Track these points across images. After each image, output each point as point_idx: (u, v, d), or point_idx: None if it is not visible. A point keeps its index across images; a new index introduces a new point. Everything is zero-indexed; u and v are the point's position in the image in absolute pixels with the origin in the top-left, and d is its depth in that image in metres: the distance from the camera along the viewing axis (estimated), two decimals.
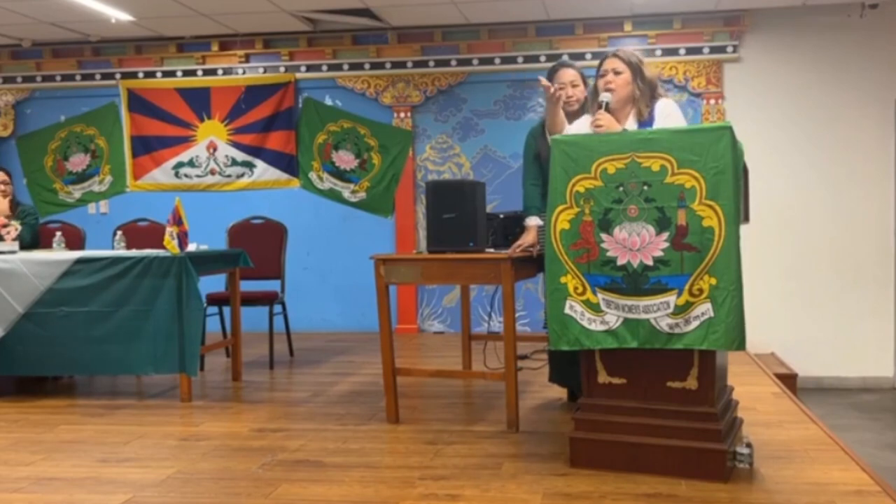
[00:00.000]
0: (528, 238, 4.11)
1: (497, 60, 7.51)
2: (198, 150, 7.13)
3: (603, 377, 3.29)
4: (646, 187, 3.08)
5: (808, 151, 7.14)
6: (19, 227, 5.38)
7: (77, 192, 6.42)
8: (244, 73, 7.74)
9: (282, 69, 7.69)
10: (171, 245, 4.71)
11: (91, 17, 7.00)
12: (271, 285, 6.05)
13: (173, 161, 7.07)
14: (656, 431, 3.17)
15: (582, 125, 3.67)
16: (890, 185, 7.05)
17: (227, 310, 5.74)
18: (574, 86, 4.19)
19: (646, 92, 3.54)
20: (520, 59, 7.43)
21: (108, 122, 6.40)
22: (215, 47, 7.85)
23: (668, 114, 3.52)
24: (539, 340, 4.90)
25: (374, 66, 7.67)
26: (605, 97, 3.52)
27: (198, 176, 6.79)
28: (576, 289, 3.20)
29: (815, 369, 6.97)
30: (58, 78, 8.14)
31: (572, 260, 3.20)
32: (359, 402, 4.65)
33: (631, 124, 3.53)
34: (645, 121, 3.53)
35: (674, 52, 7.23)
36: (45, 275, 4.81)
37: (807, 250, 7.14)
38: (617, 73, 3.53)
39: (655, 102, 3.56)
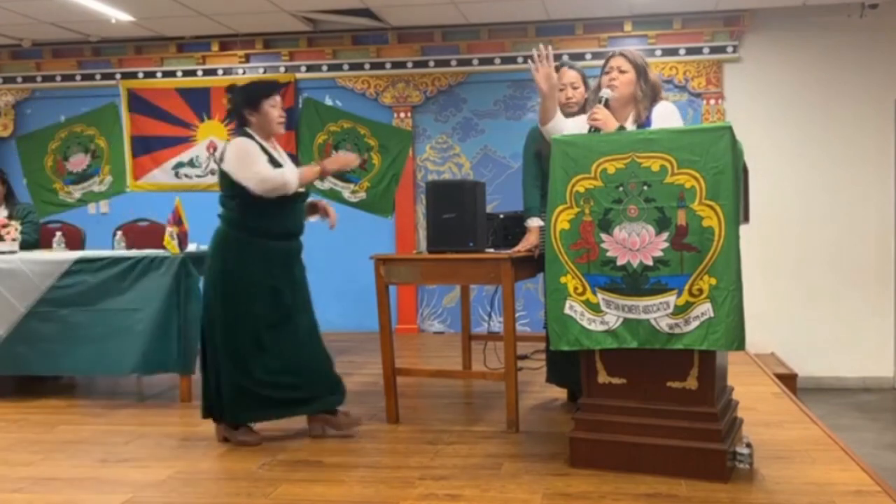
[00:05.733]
0: (531, 239, 4.12)
1: (497, 60, 7.51)
2: (198, 151, 7.14)
3: (603, 377, 3.29)
4: (646, 187, 3.08)
5: (807, 151, 7.14)
6: (19, 227, 5.38)
7: (77, 192, 6.40)
8: (244, 73, 7.74)
9: (282, 69, 7.69)
10: (172, 245, 4.71)
11: (91, 17, 7.00)
12: None
13: (173, 161, 7.08)
14: (656, 431, 3.17)
15: (579, 121, 3.64)
16: (890, 185, 7.05)
17: None
18: (574, 88, 4.15)
19: (647, 95, 3.52)
20: (520, 59, 7.41)
21: (108, 123, 6.38)
22: (215, 47, 7.84)
23: (666, 115, 3.49)
24: (539, 340, 4.89)
25: (374, 66, 7.67)
26: (605, 93, 3.49)
27: (198, 176, 6.80)
28: (576, 289, 3.20)
29: (815, 369, 6.97)
30: (58, 78, 8.14)
31: (572, 260, 3.20)
32: (359, 402, 4.64)
33: (629, 125, 3.51)
34: (643, 123, 3.51)
35: (674, 52, 7.23)
36: (45, 275, 4.81)
37: (807, 250, 7.14)
38: (622, 71, 3.51)
39: (654, 106, 3.54)
